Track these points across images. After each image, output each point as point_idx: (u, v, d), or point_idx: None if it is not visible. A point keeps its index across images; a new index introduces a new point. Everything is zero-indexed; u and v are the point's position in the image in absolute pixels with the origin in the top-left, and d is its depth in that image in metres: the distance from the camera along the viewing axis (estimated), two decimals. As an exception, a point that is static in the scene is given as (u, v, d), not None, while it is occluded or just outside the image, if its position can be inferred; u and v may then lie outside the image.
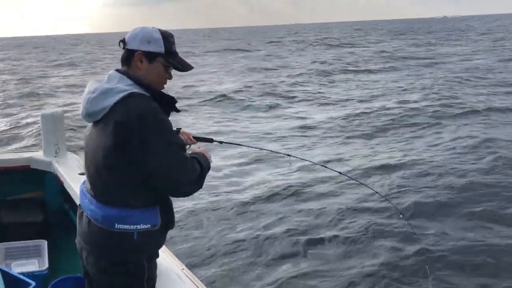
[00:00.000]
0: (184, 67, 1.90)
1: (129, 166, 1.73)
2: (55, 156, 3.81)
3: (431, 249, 5.01)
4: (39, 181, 3.89)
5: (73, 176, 3.32)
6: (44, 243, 3.45)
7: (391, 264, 4.72)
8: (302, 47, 45.45)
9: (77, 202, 2.02)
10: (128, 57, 1.85)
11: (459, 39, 48.13)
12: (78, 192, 2.02)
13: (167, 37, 1.86)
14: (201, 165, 1.90)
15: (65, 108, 12.34)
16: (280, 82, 19.82)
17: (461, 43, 41.87)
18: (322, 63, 27.38)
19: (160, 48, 1.84)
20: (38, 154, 3.93)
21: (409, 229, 5.30)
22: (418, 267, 4.64)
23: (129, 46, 1.84)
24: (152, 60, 1.83)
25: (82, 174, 1.97)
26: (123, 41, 1.86)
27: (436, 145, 9.29)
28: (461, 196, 6.47)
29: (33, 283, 2.40)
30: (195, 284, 2.07)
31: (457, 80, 18.20)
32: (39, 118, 3.87)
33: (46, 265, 3.17)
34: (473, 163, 7.94)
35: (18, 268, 3.16)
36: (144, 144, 1.70)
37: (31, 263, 3.33)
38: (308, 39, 58.25)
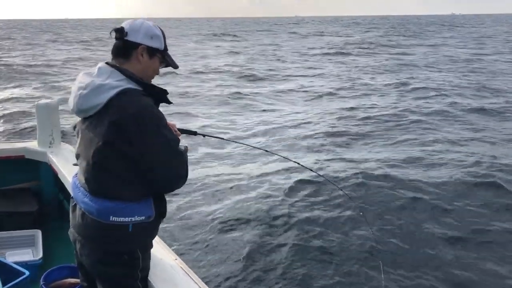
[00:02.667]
0: (174, 64, 1.97)
1: (125, 162, 1.75)
2: (50, 147, 3.82)
3: (385, 244, 4.99)
4: (33, 171, 3.90)
5: (68, 166, 3.34)
6: (39, 233, 3.47)
7: (346, 259, 4.70)
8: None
9: (72, 193, 2.04)
10: (128, 48, 1.84)
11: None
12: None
13: (163, 34, 1.92)
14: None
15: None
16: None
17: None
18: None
19: (161, 44, 1.89)
20: (33, 144, 3.93)
21: (367, 226, 5.25)
22: (372, 262, 4.61)
23: (131, 38, 1.83)
24: (152, 56, 1.88)
25: (76, 165, 1.97)
26: (119, 31, 1.83)
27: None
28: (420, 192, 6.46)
29: (27, 272, 2.44)
30: (188, 275, 2.10)
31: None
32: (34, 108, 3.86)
33: (41, 255, 3.19)
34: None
35: (13, 257, 3.18)
36: (142, 142, 1.71)
37: (26, 252, 3.34)
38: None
